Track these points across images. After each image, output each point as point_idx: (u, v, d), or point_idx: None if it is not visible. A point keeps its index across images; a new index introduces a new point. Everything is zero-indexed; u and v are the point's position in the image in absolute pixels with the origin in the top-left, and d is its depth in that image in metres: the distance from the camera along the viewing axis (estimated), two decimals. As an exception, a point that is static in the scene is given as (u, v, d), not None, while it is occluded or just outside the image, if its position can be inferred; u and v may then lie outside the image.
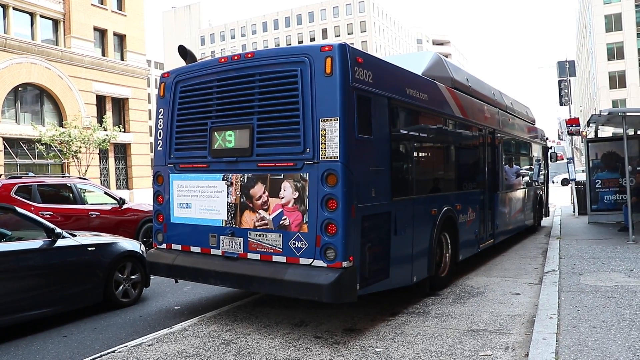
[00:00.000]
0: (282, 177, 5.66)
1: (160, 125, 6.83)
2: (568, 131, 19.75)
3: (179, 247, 6.62)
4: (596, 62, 69.02)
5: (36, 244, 6.39)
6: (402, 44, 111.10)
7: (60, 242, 6.58)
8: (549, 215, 17.57)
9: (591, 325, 5.46)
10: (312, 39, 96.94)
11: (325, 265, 5.33)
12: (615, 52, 66.90)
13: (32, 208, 9.93)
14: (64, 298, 6.57)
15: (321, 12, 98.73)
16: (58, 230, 6.64)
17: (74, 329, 6.38)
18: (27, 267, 6.22)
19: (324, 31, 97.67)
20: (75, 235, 7.03)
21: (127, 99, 33.72)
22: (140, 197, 30.26)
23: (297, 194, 5.54)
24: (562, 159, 21.37)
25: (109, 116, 31.14)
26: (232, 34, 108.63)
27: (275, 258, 5.69)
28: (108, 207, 11.94)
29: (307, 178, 5.47)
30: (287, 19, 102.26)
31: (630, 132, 15.36)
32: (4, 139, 26.82)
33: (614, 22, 66.45)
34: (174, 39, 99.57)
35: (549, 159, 16.73)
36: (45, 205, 10.50)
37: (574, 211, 18.81)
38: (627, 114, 11.76)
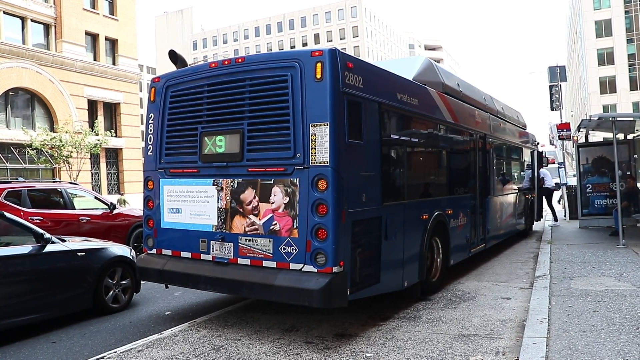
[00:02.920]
0: (272, 182, 5.65)
1: (150, 130, 6.81)
2: (559, 136, 19.86)
3: (169, 252, 6.59)
4: (587, 67, 69.57)
5: (25, 249, 6.35)
6: (394, 49, 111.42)
7: (49, 248, 6.53)
8: (540, 220, 17.63)
9: (581, 330, 5.48)
10: (305, 44, 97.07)
11: (316, 270, 5.32)
12: (606, 58, 67.50)
13: (22, 213, 9.86)
14: (53, 304, 6.52)
15: (313, 17, 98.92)
16: (47, 235, 6.59)
17: (63, 334, 6.33)
18: (16, 273, 6.16)
19: (317, 36, 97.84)
20: (64, 241, 6.99)
21: (119, 103, 33.63)
22: (132, 202, 30.10)
23: (288, 199, 5.53)
24: (553, 163, 21.48)
25: (100, 121, 31.04)
26: (224, 39, 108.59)
27: (265, 263, 5.67)
28: (99, 212, 11.88)
29: (298, 183, 5.47)
30: (279, 24, 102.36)
31: (621, 136, 15.47)
32: (-5, 143, 26.69)
33: (604, 28, 67.06)
34: (166, 44, 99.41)
35: (541, 163, 16.79)
36: (35, 211, 10.44)
37: (565, 215, 18.89)
38: (617, 119, 11.84)
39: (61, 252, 6.69)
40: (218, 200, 6.11)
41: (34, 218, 9.97)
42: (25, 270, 6.27)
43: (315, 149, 5.36)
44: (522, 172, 14.66)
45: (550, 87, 22.01)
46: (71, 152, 26.59)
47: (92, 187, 30.19)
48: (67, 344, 5.97)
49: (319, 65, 5.40)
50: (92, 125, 29.90)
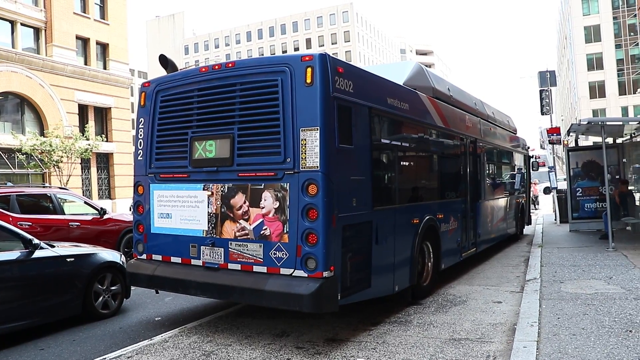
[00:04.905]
0: (262, 187, 5.64)
1: (140, 135, 6.78)
2: (549, 140, 20.01)
3: (159, 257, 6.56)
4: (576, 72, 70.08)
5: (13, 255, 6.28)
6: (385, 53, 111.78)
7: (38, 253, 6.47)
8: (531, 224, 17.72)
9: (571, 333, 5.50)
10: (296, 49, 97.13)
11: (306, 275, 5.31)
12: (595, 63, 68.01)
13: (10, 218, 9.78)
14: (42, 310, 6.46)
15: (305, 21, 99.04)
16: (36, 241, 6.54)
17: (51, 341, 6.27)
18: (3, 279, 6.09)
19: (308, 41, 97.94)
20: (53, 246, 6.94)
21: (110, 108, 33.46)
22: (123, 207, 29.95)
23: (278, 203, 5.52)
24: (543, 165, 21.62)
25: (91, 125, 30.83)
26: (216, 43, 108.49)
27: (256, 268, 5.66)
28: (89, 217, 11.81)
29: (288, 188, 5.46)
30: (271, 29, 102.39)
31: (610, 141, 15.58)
32: (-16, 148, 26.46)
33: (593, 34, 67.60)
34: (158, 48, 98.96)
35: (530, 167, 16.90)
36: (24, 216, 10.36)
37: (555, 219, 19.00)
38: (606, 123, 11.94)
39: (50, 258, 6.63)
40: (208, 205, 6.09)
41: (22, 223, 9.89)
42: (13, 277, 6.21)
43: (305, 153, 5.36)
44: (512, 177, 14.73)
45: (541, 91, 22.18)
46: (61, 157, 26.42)
47: (83, 192, 30.00)
48: (55, 351, 5.91)
49: (309, 70, 5.40)
50: (82, 129, 29.71)
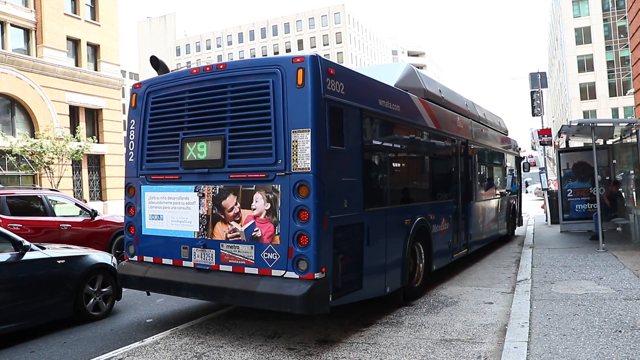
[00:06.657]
0: (253, 188, 5.64)
1: (132, 136, 6.77)
2: (540, 141, 20.12)
3: (150, 259, 6.54)
4: (567, 73, 70.48)
5: (3, 257, 6.24)
6: (377, 55, 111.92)
7: (28, 255, 6.44)
8: (522, 225, 17.80)
9: (561, 333, 5.53)
10: (288, 50, 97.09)
11: (298, 276, 5.32)
12: (586, 64, 68.44)
13: (1, 220, 9.73)
14: (32, 312, 6.42)
15: (297, 23, 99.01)
16: (26, 242, 6.51)
17: (42, 344, 6.23)
18: (-7, 281, 6.06)
19: (300, 42, 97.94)
20: (44, 248, 6.91)
21: (101, 109, 33.29)
22: (115, 209, 29.81)
23: (269, 205, 5.53)
24: (534, 165, 21.73)
25: (82, 127, 30.66)
26: (207, 45, 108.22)
27: (247, 270, 5.66)
28: (80, 219, 11.76)
29: (279, 189, 5.47)
30: (262, 30, 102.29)
31: (600, 142, 15.68)
32: (-26, 150, 26.25)
33: (583, 35, 68.03)
34: (149, 49, 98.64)
35: (522, 168, 16.99)
36: (15, 218, 10.30)
37: (546, 220, 19.09)
38: (596, 124, 12.02)
39: (40, 260, 6.61)
40: (200, 206, 6.08)
41: (13, 225, 9.84)
42: (3, 279, 6.16)
43: (296, 155, 5.37)
44: (504, 178, 14.79)
45: (532, 93, 22.31)
46: (52, 158, 26.27)
47: (74, 194, 29.81)
48: (46, 353, 5.88)
49: (300, 71, 5.41)
50: (73, 131, 29.55)
